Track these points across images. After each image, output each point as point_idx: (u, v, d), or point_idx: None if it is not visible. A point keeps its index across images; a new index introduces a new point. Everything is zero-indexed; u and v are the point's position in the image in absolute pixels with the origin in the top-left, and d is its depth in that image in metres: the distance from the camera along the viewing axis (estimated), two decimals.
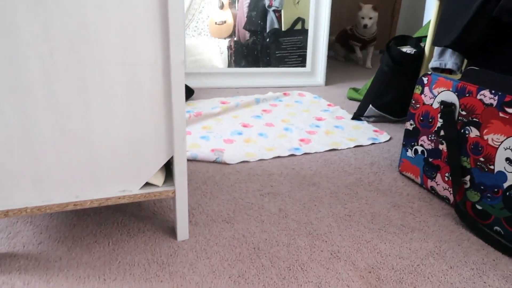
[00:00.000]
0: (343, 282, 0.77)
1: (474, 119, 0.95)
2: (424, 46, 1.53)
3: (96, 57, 0.69)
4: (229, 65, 2.13)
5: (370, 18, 2.55)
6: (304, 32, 2.20)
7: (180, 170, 0.82)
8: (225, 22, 2.09)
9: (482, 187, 0.95)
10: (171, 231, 0.90)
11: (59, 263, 0.79)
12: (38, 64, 0.67)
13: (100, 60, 0.70)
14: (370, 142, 1.45)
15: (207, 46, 2.10)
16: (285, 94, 1.98)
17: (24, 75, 0.67)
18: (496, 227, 0.93)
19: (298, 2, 2.16)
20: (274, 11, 2.14)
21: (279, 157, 1.31)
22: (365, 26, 2.57)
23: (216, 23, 2.09)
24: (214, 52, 2.11)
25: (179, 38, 0.71)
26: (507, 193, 0.89)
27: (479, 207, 0.96)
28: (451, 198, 1.04)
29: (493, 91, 0.91)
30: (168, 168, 0.89)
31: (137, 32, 0.70)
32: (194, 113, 1.59)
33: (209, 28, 2.09)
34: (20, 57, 0.65)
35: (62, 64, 0.68)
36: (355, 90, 2.04)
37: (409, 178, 1.19)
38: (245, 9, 2.10)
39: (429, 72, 1.10)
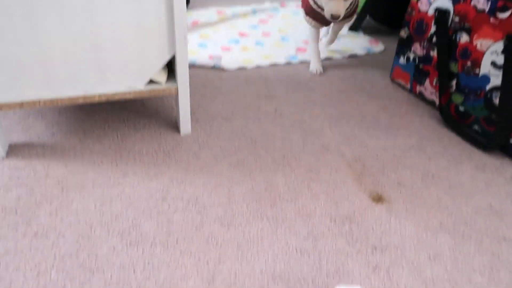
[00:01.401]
0: (331, 168, 0.86)
1: (466, 25, 0.98)
2: None
3: None
4: None
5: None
6: None
7: (182, 68, 0.86)
8: None
9: (466, 90, 1.01)
10: (174, 127, 0.97)
11: (74, 151, 0.87)
12: None
13: None
14: (365, 52, 1.48)
15: None
16: (282, 5, 1.95)
17: None
18: (475, 126, 1.01)
19: None
20: None
21: (276, 64, 1.34)
22: (334, 17, 1.14)
23: None
24: None
25: None
26: (488, 95, 0.95)
27: (461, 109, 1.03)
28: (437, 101, 1.10)
29: None
30: (170, 69, 0.93)
31: None
32: (191, 22, 1.58)
33: None
34: None
35: None
36: None
37: (399, 84, 1.25)
38: None
39: None
